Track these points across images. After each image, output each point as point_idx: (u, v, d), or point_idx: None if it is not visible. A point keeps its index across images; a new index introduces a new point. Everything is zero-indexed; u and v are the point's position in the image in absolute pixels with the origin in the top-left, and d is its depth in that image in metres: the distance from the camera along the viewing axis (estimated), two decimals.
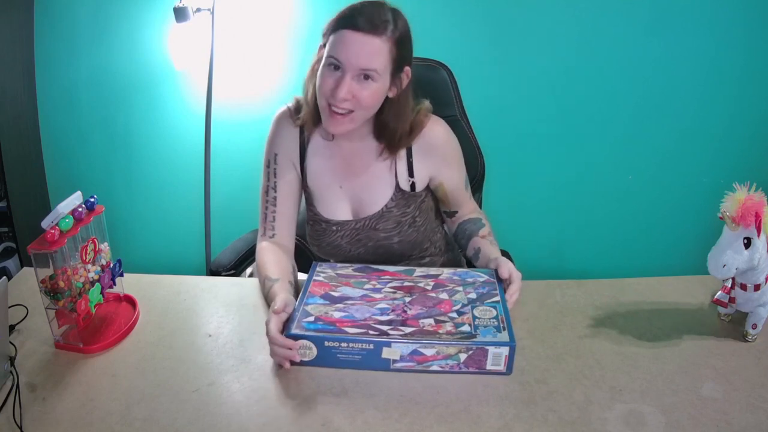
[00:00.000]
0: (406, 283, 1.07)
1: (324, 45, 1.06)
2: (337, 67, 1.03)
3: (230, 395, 0.89)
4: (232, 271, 1.35)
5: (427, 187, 1.23)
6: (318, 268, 1.11)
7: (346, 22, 1.01)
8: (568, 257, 2.35)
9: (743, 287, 0.95)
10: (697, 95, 2.10)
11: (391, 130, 1.13)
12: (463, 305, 0.99)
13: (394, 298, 1.01)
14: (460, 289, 1.05)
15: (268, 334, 0.92)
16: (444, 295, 1.03)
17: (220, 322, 1.08)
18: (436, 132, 1.17)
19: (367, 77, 1.03)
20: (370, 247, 1.21)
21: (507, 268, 1.07)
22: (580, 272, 1.84)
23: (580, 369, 0.92)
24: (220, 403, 0.87)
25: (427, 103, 1.17)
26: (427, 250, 1.28)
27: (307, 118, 1.15)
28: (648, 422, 0.81)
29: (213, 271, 1.35)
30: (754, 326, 0.97)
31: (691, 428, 0.80)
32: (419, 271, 1.11)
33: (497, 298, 1.01)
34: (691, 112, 2.12)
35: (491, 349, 0.90)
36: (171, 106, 2.25)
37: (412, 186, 1.19)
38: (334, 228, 1.21)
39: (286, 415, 0.84)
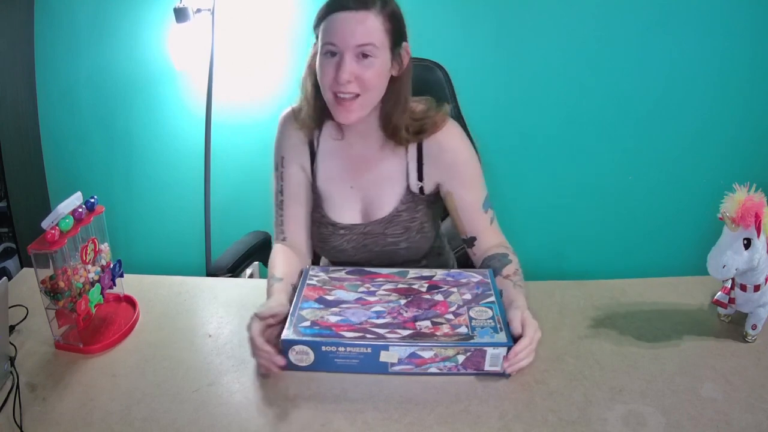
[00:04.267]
0: (401, 285, 1.05)
1: (317, 37, 1.06)
2: (334, 53, 1.03)
3: (230, 395, 0.89)
4: (230, 274, 1.35)
5: (437, 193, 1.19)
6: (311, 272, 1.10)
7: (335, 5, 1.02)
8: (568, 258, 2.35)
9: (743, 288, 0.95)
10: (697, 97, 2.10)
11: (395, 114, 1.10)
12: (459, 306, 0.99)
13: (389, 301, 1.00)
14: (455, 290, 1.04)
15: (249, 337, 0.91)
16: (439, 297, 1.02)
17: (220, 322, 1.08)
18: (449, 136, 1.14)
19: (366, 55, 1.02)
20: (375, 252, 1.20)
21: (518, 321, 0.92)
22: (580, 273, 1.82)
23: (580, 369, 0.92)
24: (220, 403, 0.87)
25: (446, 107, 1.16)
26: (427, 256, 1.27)
27: (306, 120, 1.14)
28: (648, 423, 0.81)
29: (211, 274, 1.34)
30: (754, 327, 0.97)
31: (691, 429, 0.80)
32: (413, 272, 1.10)
33: (492, 299, 1.01)
34: (692, 113, 2.12)
35: (489, 350, 0.89)
36: (171, 107, 2.25)
37: (421, 190, 1.17)
38: (342, 232, 1.19)
39: (285, 415, 0.84)
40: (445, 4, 2.05)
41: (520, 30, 2.08)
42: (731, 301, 0.99)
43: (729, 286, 0.99)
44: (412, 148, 1.15)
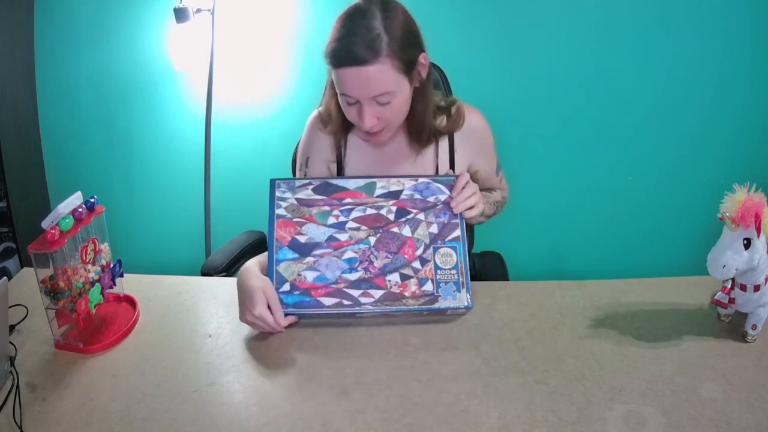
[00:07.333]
0: (369, 211, 1.09)
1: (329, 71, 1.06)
2: (353, 100, 1.03)
3: (230, 395, 0.89)
4: (224, 273, 1.35)
5: None
6: (278, 192, 1.10)
7: (339, 60, 0.99)
8: (568, 258, 2.35)
9: (743, 288, 0.96)
10: (697, 97, 2.10)
11: (419, 120, 1.14)
12: (425, 246, 1.06)
13: (360, 240, 1.06)
14: (422, 217, 1.09)
15: (265, 320, 0.98)
16: (406, 231, 1.08)
17: (220, 322, 1.08)
18: (474, 117, 1.22)
19: (384, 99, 1.02)
20: None
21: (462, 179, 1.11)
22: (580, 273, 1.82)
23: (580, 369, 0.92)
24: (220, 403, 0.87)
25: (458, 99, 1.22)
26: None
27: (336, 129, 1.18)
28: (648, 423, 0.81)
29: (204, 273, 1.34)
30: (754, 327, 0.97)
31: (691, 429, 0.80)
32: (380, 185, 1.11)
33: (457, 233, 1.08)
34: (692, 113, 2.12)
35: (451, 311, 1.05)
36: (171, 107, 2.25)
37: None
38: None
39: (286, 415, 0.84)
40: (444, 4, 2.05)
41: (520, 31, 2.08)
42: (731, 301, 0.99)
43: (729, 286, 0.99)
44: (443, 139, 1.21)
